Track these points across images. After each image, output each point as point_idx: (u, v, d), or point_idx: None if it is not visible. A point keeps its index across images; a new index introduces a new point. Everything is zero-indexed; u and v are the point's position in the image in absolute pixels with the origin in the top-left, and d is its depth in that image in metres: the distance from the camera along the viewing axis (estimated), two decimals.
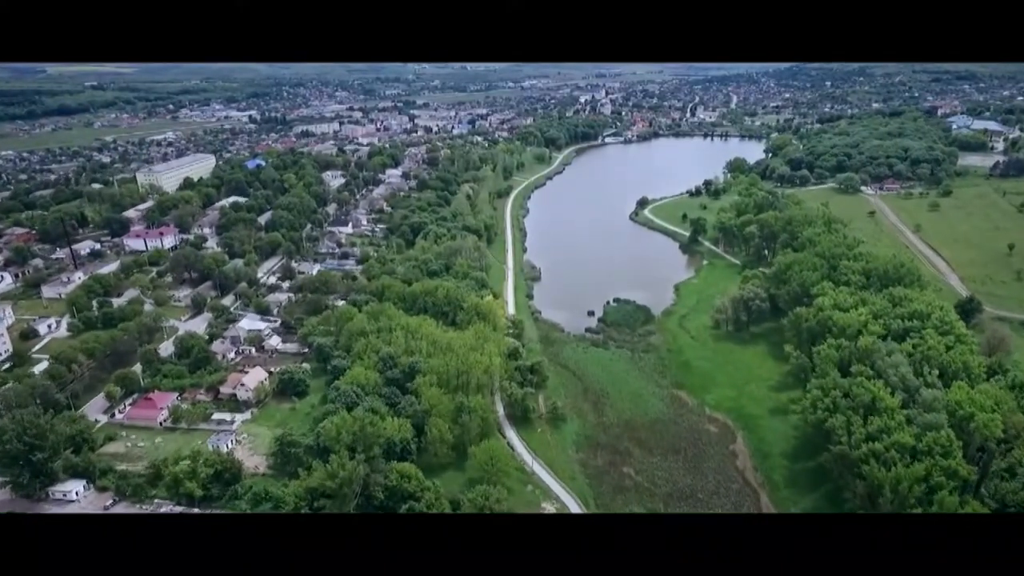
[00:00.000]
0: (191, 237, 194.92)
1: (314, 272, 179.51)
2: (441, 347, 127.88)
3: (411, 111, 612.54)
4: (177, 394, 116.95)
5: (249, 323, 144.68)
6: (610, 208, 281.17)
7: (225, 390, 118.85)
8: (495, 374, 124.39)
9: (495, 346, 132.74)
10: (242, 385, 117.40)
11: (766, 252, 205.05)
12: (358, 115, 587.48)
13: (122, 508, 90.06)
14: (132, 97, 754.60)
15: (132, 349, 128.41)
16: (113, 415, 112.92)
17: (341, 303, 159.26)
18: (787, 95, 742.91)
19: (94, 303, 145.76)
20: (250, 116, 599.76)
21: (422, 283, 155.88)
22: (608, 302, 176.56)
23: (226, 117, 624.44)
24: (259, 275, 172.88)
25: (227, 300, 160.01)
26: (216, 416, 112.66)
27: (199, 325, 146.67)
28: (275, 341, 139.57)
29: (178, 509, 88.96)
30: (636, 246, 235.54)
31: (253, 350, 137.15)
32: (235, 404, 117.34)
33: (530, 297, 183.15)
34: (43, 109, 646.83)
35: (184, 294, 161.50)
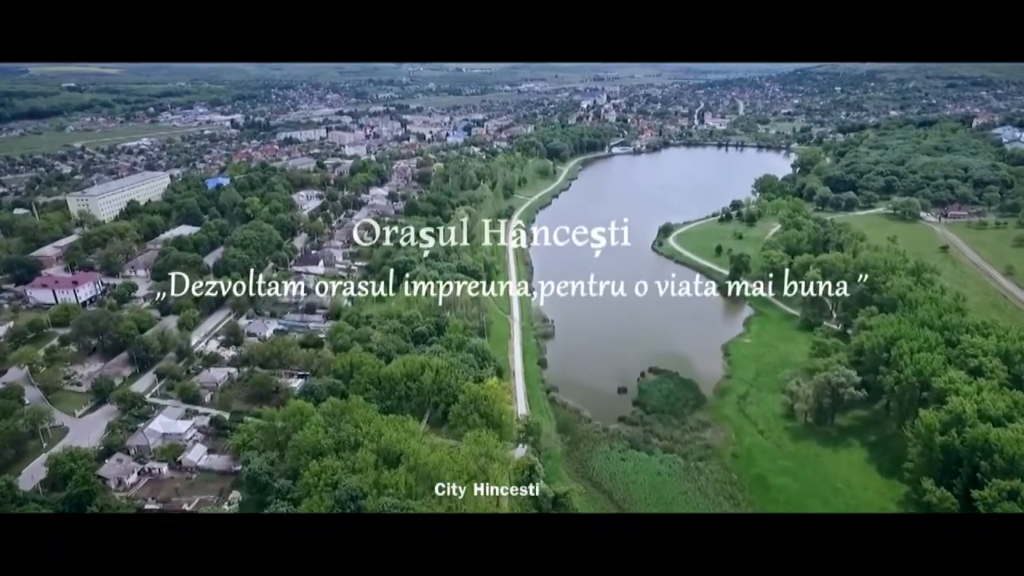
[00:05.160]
0: (118, 284, 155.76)
1: (268, 333, 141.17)
2: (427, 473, 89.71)
3: (404, 116, 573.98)
4: None
5: (165, 423, 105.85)
6: (628, 234, 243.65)
7: None
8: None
9: (502, 468, 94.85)
10: None
11: (827, 299, 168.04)
12: (347, 120, 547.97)
13: None
14: (111, 99, 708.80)
15: None
16: None
17: (297, 384, 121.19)
18: (796, 101, 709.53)
19: None
20: (232, 120, 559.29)
21: (404, 361, 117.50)
22: (642, 373, 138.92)
23: (208, 121, 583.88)
24: (194, 341, 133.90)
25: (145, 381, 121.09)
26: None
27: (99, 424, 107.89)
28: (197, 453, 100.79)
29: None
30: (664, 285, 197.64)
31: (165, 469, 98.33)
32: None
33: (542, 364, 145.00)
34: (13, 112, 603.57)
35: (92, 371, 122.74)
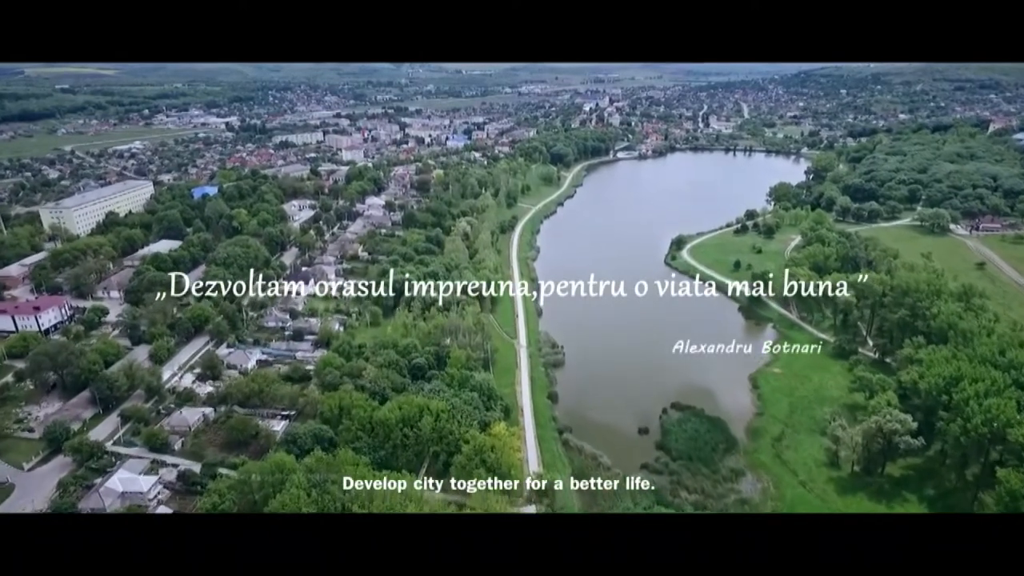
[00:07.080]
0: (88, 308, 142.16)
1: (250, 365, 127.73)
2: None
3: (402, 118, 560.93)
4: None
5: (125, 480, 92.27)
6: (638, 246, 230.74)
7: None
8: None
9: None
10: None
11: (860, 323, 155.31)
12: (345, 123, 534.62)
13: None
14: (104, 101, 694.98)
15: None
16: None
17: (280, 427, 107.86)
18: (801, 104, 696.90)
19: None
20: (227, 123, 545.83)
21: (399, 403, 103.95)
22: (664, 410, 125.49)
23: (203, 124, 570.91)
24: (167, 375, 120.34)
25: (107, 425, 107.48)
26: None
27: (50, 479, 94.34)
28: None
29: None
30: (681, 306, 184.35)
31: None
32: None
33: (552, 398, 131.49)
34: (4, 114, 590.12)
35: (49, 412, 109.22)
